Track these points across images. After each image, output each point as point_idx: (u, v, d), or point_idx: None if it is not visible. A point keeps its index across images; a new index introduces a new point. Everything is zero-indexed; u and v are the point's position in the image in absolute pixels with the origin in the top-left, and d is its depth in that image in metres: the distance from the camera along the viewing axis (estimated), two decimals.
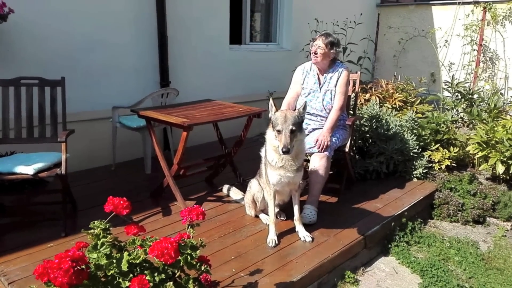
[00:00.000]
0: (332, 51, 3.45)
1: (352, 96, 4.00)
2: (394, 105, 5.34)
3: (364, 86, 5.75)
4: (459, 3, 7.34)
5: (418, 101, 5.47)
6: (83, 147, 4.43)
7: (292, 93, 3.61)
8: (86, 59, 4.33)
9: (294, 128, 2.65)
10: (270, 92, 5.84)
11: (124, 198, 1.80)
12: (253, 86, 6.01)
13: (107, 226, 1.79)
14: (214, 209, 3.49)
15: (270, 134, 2.77)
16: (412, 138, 4.33)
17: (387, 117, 4.45)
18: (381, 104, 5.24)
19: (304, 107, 2.75)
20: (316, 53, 3.44)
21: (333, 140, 3.43)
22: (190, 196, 3.74)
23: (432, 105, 5.54)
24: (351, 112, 4.05)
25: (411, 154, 4.27)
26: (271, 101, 2.75)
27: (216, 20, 5.52)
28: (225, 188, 3.78)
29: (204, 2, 5.30)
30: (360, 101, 5.34)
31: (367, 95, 5.44)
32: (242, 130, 3.74)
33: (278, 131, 2.66)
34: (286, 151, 2.60)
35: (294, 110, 3.57)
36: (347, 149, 3.63)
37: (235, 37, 6.23)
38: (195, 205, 2.09)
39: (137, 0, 4.61)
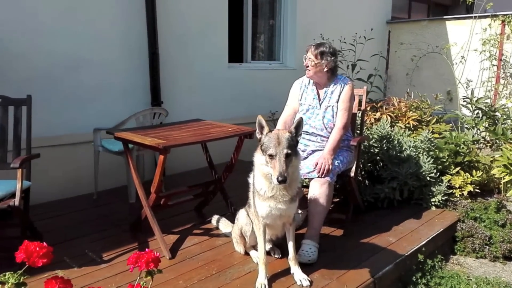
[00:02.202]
0: (323, 61, 3.03)
1: (358, 115, 3.55)
2: (407, 125, 4.85)
3: (374, 104, 5.29)
4: (475, 17, 6.92)
5: (434, 120, 4.97)
6: (65, 174, 4.06)
7: (289, 110, 3.18)
8: (69, 79, 4.00)
9: (289, 151, 2.22)
10: (272, 112, 5.43)
11: (43, 243, 1.36)
12: (254, 106, 5.59)
13: (21, 279, 1.34)
14: (199, 245, 3.02)
15: (259, 158, 2.33)
16: (429, 161, 3.83)
17: (399, 138, 3.98)
18: (393, 124, 4.77)
19: (298, 126, 2.31)
20: (308, 66, 3.04)
21: (336, 164, 2.96)
22: (173, 228, 3.29)
23: (450, 124, 5.04)
24: (358, 132, 3.59)
25: (428, 178, 3.75)
26: (260, 119, 2.31)
27: (214, 37, 5.19)
28: (214, 219, 3.32)
29: (200, 18, 4.99)
30: (370, 120, 4.88)
31: (378, 114, 4.97)
32: (232, 153, 3.30)
33: (271, 156, 2.22)
34: (282, 180, 2.16)
35: None
36: (352, 174, 3.15)
37: (237, 56, 5.90)
38: (147, 249, 1.63)
39: (126, 16, 4.31)
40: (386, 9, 8.07)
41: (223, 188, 3.46)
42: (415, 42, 7.55)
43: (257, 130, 2.32)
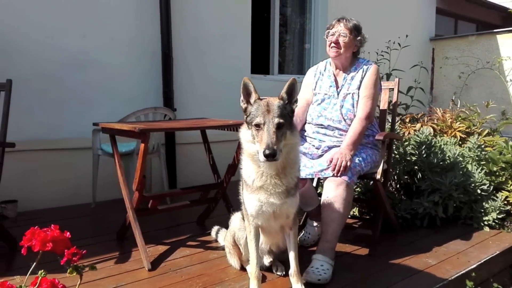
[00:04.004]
0: (358, 38, 2.56)
1: (387, 109, 2.98)
2: (454, 137, 4.17)
3: (415, 116, 4.66)
4: None
5: (486, 133, 4.25)
6: (63, 181, 3.73)
7: (301, 101, 2.67)
8: (73, 79, 3.75)
9: (281, 121, 1.73)
10: None
11: None
12: None
13: None
14: (189, 257, 2.51)
15: (244, 134, 1.84)
16: (479, 171, 3.14)
17: (441, 144, 3.34)
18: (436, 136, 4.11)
19: (290, 90, 1.82)
20: (338, 43, 2.54)
21: (356, 161, 2.40)
22: (166, 239, 2.82)
23: (505, 138, 4.28)
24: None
25: (479, 191, 3.06)
26: (246, 82, 1.85)
27: (235, 45, 4.87)
28: (213, 230, 2.82)
29: (220, 24, 4.70)
30: (409, 133, 4.25)
31: (418, 126, 4.33)
32: (235, 152, 2.82)
33: (257, 126, 1.74)
34: (270, 154, 1.64)
35: (305, 124, 2.68)
36: (378, 176, 2.54)
37: (265, 68, 5.56)
38: (53, 225, 1.18)
39: (138, 17, 4.07)
40: (430, 26, 7.52)
41: (226, 194, 2.95)
42: (462, 57, 6.88)
43: (242, 98, 1.85)
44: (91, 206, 3.64)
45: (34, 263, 1.23)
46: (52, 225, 1.22)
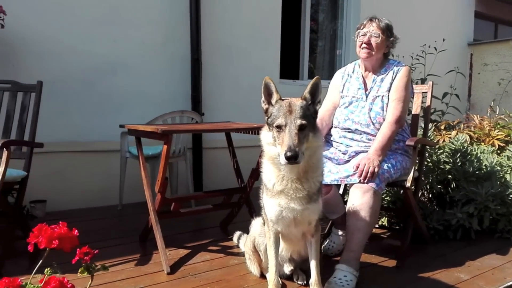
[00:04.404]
0: (391, 39, 2.46)
1: (420, 114, 2.84)
2: (492, 146, 3.96)
3: (450, 123, 4.47)
4: None
5: None
6: (94, 182, 3.79)
7: (327, 105, 2.61)
8: (105, 83, 3.82)
9: (304, 122, 1.66)
10: None
11: None
12: None
13: None
14: (209, 262, 2.47)
15: (265, 136, 1.79)
16: None
17: (478, 153, 3.16)
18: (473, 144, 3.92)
19: (314, 90, 1.75)
20: (369, 44, 2.44)
21: (385, 168, 2.29)
22: (188, 243, 2.79)
23: None
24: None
25: None
26: (267, 82, 1.79)
27: (264, 50, 4.84)
28: (235, 236, 2.76)
29: (249, 29, 4.68)
30: (444, 140, 4.07)
31: (453, 133, 4.14)
32: (259, 156, 2.76)
33: (279, 128, 1.68)
34: (292, 156, 1.58)
35: (331, 128, 2.59)
36: (408, 184, 2.41)
37: (295, 74, 5.50)
38: (60, 222, 1.16)
39: (169, 22, 4.12)
40: (468, 30, 7.24)
41: (248, 197, 2.90)
42: (502, 63, 6.57)
43: (263, 99, 1.79)
44: (118, 208, 3.68)
45: (40, 261, 1.21)
46: (60, 222, 1.20)
